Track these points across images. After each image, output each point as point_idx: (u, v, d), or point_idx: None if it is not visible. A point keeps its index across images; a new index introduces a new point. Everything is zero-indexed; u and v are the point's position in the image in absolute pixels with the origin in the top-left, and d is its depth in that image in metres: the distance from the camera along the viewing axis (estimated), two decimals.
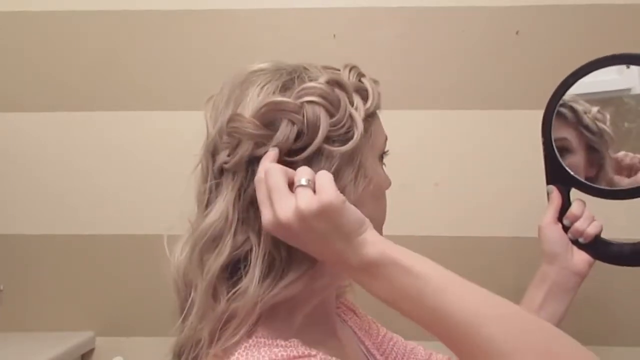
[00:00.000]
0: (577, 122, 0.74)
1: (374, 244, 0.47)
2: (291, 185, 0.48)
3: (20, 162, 1.17)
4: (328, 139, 0.51)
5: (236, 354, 0.48)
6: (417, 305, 0.46)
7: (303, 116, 0.50)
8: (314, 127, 0.51)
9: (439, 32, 1.10)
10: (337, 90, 0.53)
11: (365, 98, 0.55)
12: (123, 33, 1.14)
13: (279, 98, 0.50)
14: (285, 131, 0.50)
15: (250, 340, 0.49)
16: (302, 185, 0.47)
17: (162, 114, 1.14)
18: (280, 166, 0.48)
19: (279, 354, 0.47)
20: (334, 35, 1.10)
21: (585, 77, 0.72)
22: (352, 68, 0.57)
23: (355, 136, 0.52)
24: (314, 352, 0.48)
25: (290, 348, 0.48)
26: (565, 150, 0.74)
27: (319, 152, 0.51)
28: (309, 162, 0.51)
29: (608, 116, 0.73)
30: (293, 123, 0.50)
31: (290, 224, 0.46)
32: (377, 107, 0.57)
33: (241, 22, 1.12)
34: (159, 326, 1.11)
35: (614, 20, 1.07)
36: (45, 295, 1.17)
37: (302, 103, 0.51)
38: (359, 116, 0.53)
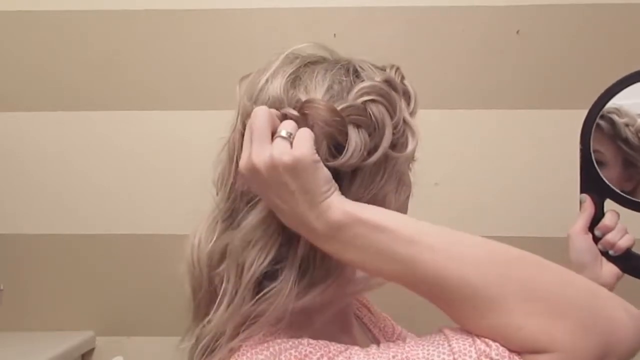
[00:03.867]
0: (614, 135, 0.72)
1: (337, 207, 0.45)
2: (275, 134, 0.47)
3: (20, 162, 1.17)
4: (390, 142, 0.50)
5: (241, 349, 0.48)
6: (389, 262, 0.45)
7: (370, 117, 0.49)
8: (382, 127, 0.49)
9: (439, 32, 1.10)
10: (392, 91, 0.51)
11: (407, 101, 0.54)
12: (123, 33, 1.14)
13: (347, 103, 0.48)
14: (356, 136, 0.48)
15: (257, 337, 0.49)
16: (281, 137, 0.46)
17: (162, 114, 1.14)
18: (269, 111, 0.47)
19: (279, 342, 0.47)
20: (334, 35, 1.10)
21: (631, 86, 0.70)
22: (397, 69, 0.55)
23: (411, 140, 0.51)
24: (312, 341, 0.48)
25: (291, 342, 0.48)
26: (598, 163, 0.72)
27: (385, 156, 0.50)
28: (378, 166, 0.49)
29: None
30: (359, 126, 0.48)
31: (261, 170, 0.45)
32: (415, 111, 0.55)
33: (241, 22, 1.13)
34: (159, 326, 1.12)
35: (614, 20, 1.07)
36: (45, 295, 1.17)
37: (365, 102, 0.49)
38: (411, 119, 0.52)
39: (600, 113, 0.71)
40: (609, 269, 0.71)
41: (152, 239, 1.13)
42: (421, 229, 0.45)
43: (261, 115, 0.46)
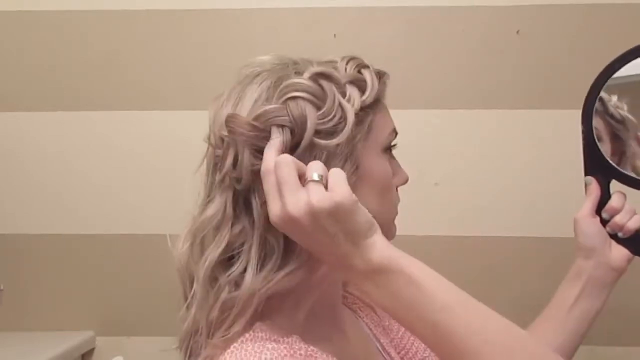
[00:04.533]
0: (604, 110, 0.72)
1: (381, 249, 0.46)
2: (300, 179, 0.47)
3: (20, 162, 1.17)
4: (319, 132, 0.51)
5: (232, 347, 0.48)
6: (418, 319, 0.45)
7: (288, 114, 0.50)
8: (302, 122, 0.50)
9: (439, 32, 1.10)
10: (323, 82, 0.53)
11: (362, 89, 0.55)
12: (123, 33, 1.14)
13: (262, 109, 0.50)
14: (277, 136, 0.50)
15: (247, 335, 0.49)
16: (314, 181, 0.46)
17: (162, 114, 1.14)
18: (291, 158, 0.47)
19: (271, 350, 0.47)
20: (334, 35, 1.10)
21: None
22: (351, 60, 0.56)
23: (345, 128, 0.52)
24: (310, 350, 0.48)
25: (284, 345, 0.48)
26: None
27: (311, 146, 0.51)
28: (303, 157, 0.50)
29: (625, 105, 0.72)
30: (282, 126, 0.50)
31: (300, 220, 0.45)
32: (378, 98, 0.56)
33: (241, 22, 1.12)
34: (159, 326, 1.11)
35: (614, 20, 1.07)
36: (45, 295, 1.17)
37: (284, 101, 0.51)
38: (350, 107, 0.53)
39: (600, 93, 0.71)
40: (619, 252, 0.70)
41: (152, 239, 1.13)
42: (458, 299, 0.46)
43: (285, 164, 0.47)
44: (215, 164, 0.54)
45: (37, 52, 1.16)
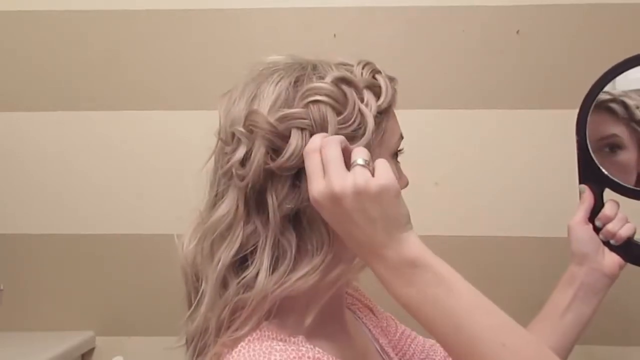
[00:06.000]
0: (628, 117, 0.72)
1: (415, 244, 0.47)
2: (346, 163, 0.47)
3: (20, 162, 1.17)
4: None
5: (239, 346, 0.49)
6: (442, 318, 0.46)
7: (310, 118, 0.50)
8: (323, 127, 0.51)
9: (439, 32, 1.10)
10: (345, 87, 0.53)
11: (377, 94, 0.55)
12: (123, 33, 1.14)
13: (286, 111, 0.50)
14: (297, 139, 0.50)
15: (255, 334, 0.50)
16: (360, 165, 0.46)
17: (162, 114, 1.14)
18: (340, 139, 0.48)
19: (280, 351, 0.47)
20: (334, 35, 1.10)
21: (629, 73, 0.70)
22: (366, 64, 0.57)
23: (366, 133, 0.52)
24: (314, 352, 0.48)
25: (292, 346, 0.48)
26: (616, 147, 0.73)
27: None
28: None
29: None
30: (303, 129, 0.50)
31: (344, 198, 0.45)
32: (391, 103, 0.57)
33: (241, 22, 1.12)
34: (159, 326, 1.12)
35: (614, 20, 1.07)
36: (45, 295, 1.17)
37: (307, 104, 0.51)
38: (369, 113, 0.53)
39: (595, 102, 0.72)
40: (612, 259, 0.71)
41: (153, 239, 1.13)
42: (483, 304, 0.46)
43: (333, 144, 0.47)
44: (217, 161, 0.54)
45: (37, 52, 1.16)
